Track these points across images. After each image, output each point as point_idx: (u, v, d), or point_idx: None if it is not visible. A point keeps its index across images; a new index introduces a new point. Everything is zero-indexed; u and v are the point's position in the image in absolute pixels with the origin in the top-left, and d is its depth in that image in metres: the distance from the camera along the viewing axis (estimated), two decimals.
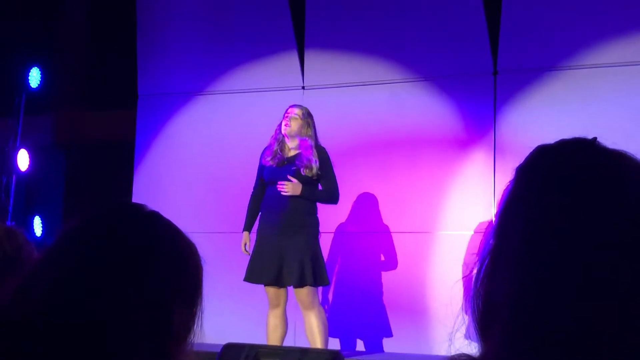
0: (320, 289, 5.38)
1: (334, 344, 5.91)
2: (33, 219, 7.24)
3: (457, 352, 0.94)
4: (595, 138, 0.95)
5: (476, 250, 0.96)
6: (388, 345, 5.97)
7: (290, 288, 5.01)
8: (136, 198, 6.97)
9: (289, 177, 4.95)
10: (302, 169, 4.98)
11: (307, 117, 5.15)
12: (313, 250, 4.96)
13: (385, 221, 6.11)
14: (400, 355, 5.81)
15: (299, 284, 4.88)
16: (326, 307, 6.04)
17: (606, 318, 0.83)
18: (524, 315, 0.86)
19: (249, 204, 5.24)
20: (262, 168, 5.18)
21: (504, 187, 0.97)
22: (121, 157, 7.19)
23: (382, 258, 6.10)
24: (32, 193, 7.38)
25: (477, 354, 0.92)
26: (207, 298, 1.22)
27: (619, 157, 0.92)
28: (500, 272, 0.91)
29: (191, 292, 1.17)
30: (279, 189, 4.95)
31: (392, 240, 6.06)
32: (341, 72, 6.45)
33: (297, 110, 5.14)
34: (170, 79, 7.06)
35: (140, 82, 7.14)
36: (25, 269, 1.14)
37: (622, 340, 0.83)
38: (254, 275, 5.01)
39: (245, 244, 5.15)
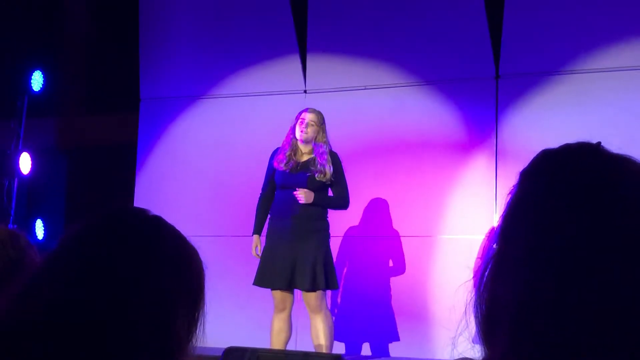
0: (328, 292, 5.38)
1: (340, 348, 5.90)
2: (35, 222, 7.25)
3: (460, 356, 0.93)
4: (599, 143, 0.95)
5: (479, 254, 0.96)
6: (393, 349, 5.96)
7: (297, 292, 5.00)
8: (138, 201, 6.97)
9: (297, 190, 4.93)
10: (316, 174, 4.97)
11: (323, 124, 5.14)
12: (325, 255, 4.95)
13: (387, 225, 6.11)
14: (403, 359, 5.80)
15: (311, 288, 4.87)
16: (335, 311, 6.03)
17: (610, 322, 0.83)
18: (527, 319, 0.86)
19: (258, 206, 5.20)
20: (273, 171, 5.14)
21: (508, 191, 0.97)
22: (123, 161, 7.19)
23: (385, 262, 6.09)
24: (34, 196, 7.39)
25: (481, 358, 0.91)
26: (209, 302, 1.22)
27: (623, 162, 0.92)
28: (504, 276, 0.91)
29: (194, 296, 1.17)
30: (297, 198, 4.92)
31: (394, 244, 6.06)
32: (343, 76, 6.46)
33: (313, 117, 5.11)
34: (172, 82, 7.07)
35: (143, 85, 7.15)
36: (28, 272, 1.14)
37: (627, 344, 0.83)
38: (265, 280, 4.98)
39: (256, 247, 5.12)
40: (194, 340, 1.15)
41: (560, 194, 0.90)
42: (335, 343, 5.31)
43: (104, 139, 7.46)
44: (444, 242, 5.95)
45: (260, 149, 6.46)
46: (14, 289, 1.13)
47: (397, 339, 5.91)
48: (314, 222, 4.98)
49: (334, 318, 5.28)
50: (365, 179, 6.17)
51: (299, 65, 6.63)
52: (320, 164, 5.00)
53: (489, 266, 0.93)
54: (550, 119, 5.73)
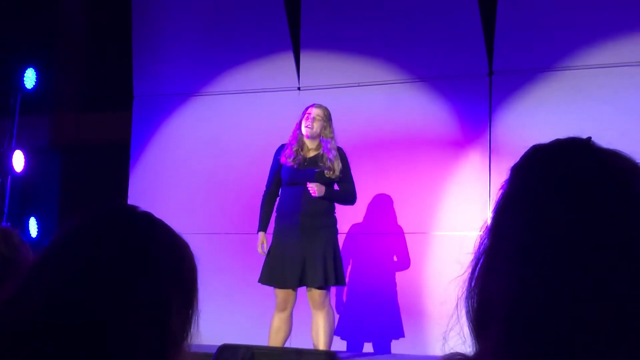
0: (333, 289, 5.36)
1: (341, 344, 5.89)
2: (28, 220, 7.23)
3: (452, 351, 0.94)
4: (589, 138, 0.95)
5: (471, 250, 0.96)
6: (387, 345, 5.96)
7: (300, 292, 4.98)
8: (132, 199, 6.96)
9: (309, 183, 4.91)
10: (325, 171, 4.95)
11: (329, 118, 5.12)
12: (333, 250, 4.94)
13: (381, 222, 6.11)
14: (396, 356, 5.81)
15: (322, 285, 4.85)
16: (341, 308, 6.02)
17: (601, 316, 0.84)
18: (519, 314, 0.86)
19: (262, 204, 5.16)
20: (279, 167, 5.10)
21: (499, 187, 0.97)
22: (117, 158, 7.18)
23: (382, 258, 6.10)
24: (27, 194, 7.37)
25: (472, 353, 0.92)
26: (203, 299, 1.22)
27: (613, 157, 0.92)
28: (495, 271, 0.91)
29: (187, 292, 1.17)
30: (310, 191, 4.91)
31: (389, 240, 6.06)
32: (337, 73, 6.46)
33: (319, 111, 5.09)
34: (166, 80, 7.06)
35: (136, 83, 7.14)
36: (23, 271, 1.14)
37: (619, 340, 0.83)
38: (274, 279, 4.94)
39: (262, 244, 5.08)
40: (189, 337, 1.16)
41: (551, 189, 0.90)
42: (337, 339, 5.30)
43: (98, 137, 7.45)
44: (438, 238, 5.96)
45: (254, 146, 6.47)
46: (10, 288, 1.12)
47: (402, 335, 5.89)
48: (321, 218, 4.96)
49: (337, 315, 5.25)
50: (359, 175, 6.15)
51: (293, 62, 6.63)
52: (330, 160, 4.98)
53: (480, 261, 0.93)
54: (543, 116, 5.75)
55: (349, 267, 6.19)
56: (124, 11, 7.17)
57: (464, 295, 0.94)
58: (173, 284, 1.14)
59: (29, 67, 7.20)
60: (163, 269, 1.13)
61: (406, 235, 6.04)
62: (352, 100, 6.37)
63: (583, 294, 0.84)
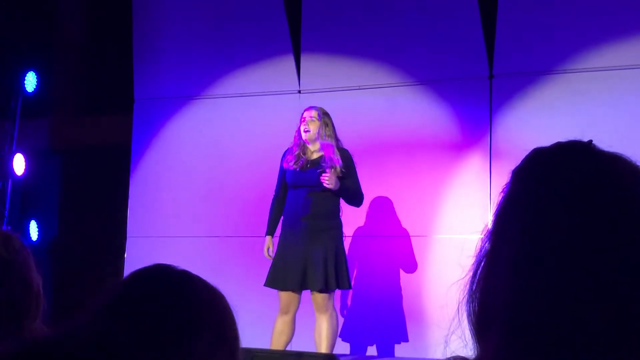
0: (337, 292, 5.35)
1: (345, 348, 5.88)
2: (29, 223, 7.23)
3: (453, 355, 0.94)
4: (590, 141, 0.95)
5: (472, 253, 0.96)
6: (391, 348, 5.96)
7: (304, 295, 4.98)
8: (132, 202, 6.97)
9: (326, 170, 4.89)
10: (327, 170, 4.96)
11: (324, 117, 5.12)
12: (337, 254, 4.92)
13: (380, 225, 6.11)
14: (398, 359, 5.81)
15: (323, 289, 4.85)
16: (345, 312, 6.02)
17: (602, 319, 0.84)
18: (520, 318, 0.86)
19: (271, 208, 5.18)
20: (284, 172, 5.12)
21: (500, 190, 0.97)
22: (117, 162, 7.18)
23: (384, 261, 6.09)
24: (28, 197, 7.37)
25: (473, 356, 0.92)
26: None
27: (614, 160, 0.92)
28: (496, 275, 0.91)
29: (231, 345, 1.17)
30: (321, 181, 4.88)
31: (389, 244, 6.06)
32: (337, 76, 6.46)
33: (312, 112, 5.11)
34: (166, 83, 7.06)
35: (137, 86, 7.14)
36: (24, 277, 1.13)
37: (620, 342, 0.83)
38: (276, 281, 4.95)
39: (268, 249, 5.10)
40: None
41: (552, 192, 0.90)
42: (340, 343, 5.29)
43: (98, 140, 7.45)
44: (439, 241, 5.95)
45: (254, 149, 6.47)
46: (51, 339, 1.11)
47: (406, 339, 5.89)
48: (326, 221, 4.96)
49: (342, 319, 5.24)
50: (360, 179, 6.16)
51: (293, 66, 6.63)
52: (329, 158, 4.98)
53: (482, 264, 0.93)
54: (544, 119, 5.74)
55: (352, 270, 6.19)
56: (124, 14, 7.18)
57: (465, 299, 0.94)
58: (216, 339, 1.13)
59: (30, 70, 7.21)
60: (207, 326, 1.13)
61: (407, 239, 6.03)
62: (352, 104, 6.37)
63: (584, 297, 0.84)
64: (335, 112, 6.33)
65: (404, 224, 6.06)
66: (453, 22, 6.14)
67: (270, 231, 5.14)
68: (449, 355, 0.94)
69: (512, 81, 5.97)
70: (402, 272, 6.01)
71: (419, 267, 5.97)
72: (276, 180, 5.23)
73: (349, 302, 6.14)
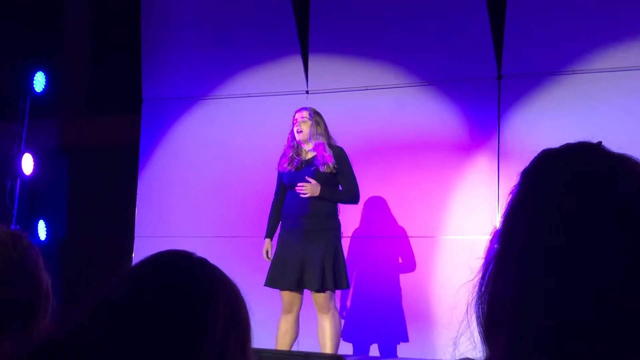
0: (338, 293, 5.37)
1: (347, 348, 5.89)
2: (37, 223, 7.26)
3: (462, 357, 0.94)
4: (600, 142, 0.95)
5: (481, 255, 0.96)
6: (393, 349, 5.95)
7: (306, 293, 5.00)
8: (140, 202, 6.98)
9: (307, 179, 4.94)
10: (320, 167, 4.98)
11: (315, 116, 5.16)
12: (334, 254, 4.94)
13: (389, 225, 6.11)
14: None
15: (320, 289, 4.87)
16: (344, 313, 6.02)
17: (613, 322, 0.83)
18: (529, 320, 0.86)
19: (270, 211, 5.24)
20: (280, 175, 5.18)
21: (509, 191, 0.97)
22: (125, 161, 7.19)
23: (389, 262, 6.09)
24: (36, 197, 7.40)
25: (482, 358, 0.91)
26: None
27: (623, 161, 0.92)
28: (505, 276, 0.91)
29: (244, 335, 1.17)
30: (297, 191, 4.93)
31: (396, 243, 6.06)
32: (345, 77, 6.46)
33: (303, 113, 5.16)
34: (174, 83, 7.07)
35: (145, 86, 7.15)
36: (35, 277, 1.13)
37: (630, 345, 0.83)
38: (275, 280, 4.99)
39: (267, 251, 5.14)
40: None
41: (561, 194, 0.90)
42: (343, 343, 5.30)
43: (107, 140, 7.47)
44: (447, 242, 5.95)
45: (262, 150, 6.46)
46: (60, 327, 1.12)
47: (406, 339, 5.89)
48: (324, 221, 4.98)
49: (342, 320, 5.26)
50: (368, 179, 6.16)
51: (301, 66, 6.63)
52: (321, 155, 5.01)
53: (491, 266, 0.93)
54: (552, 119, 5.73)
55: (356, 270, 6.19)
56: (133, 15, 7.19)
57: (474, 300, 0.94)
58: (231, 326, 1.14)
59: (39, 70, 7.23)
60: (223, 313, 1.13)
61: (415, 239, 6.03)
62: (360, 104, 6.37)
63: (593, 299, 0.84)
64: (343, 113, 6.35)
65: (412, 225, 6.05)
66: (461, 22, 6.13)
67: (270, 234, 5.19)
68: (457, 357, 0.94)
69: (520, 82, 5.95)
70: (409, 273, 6.00)
71: (426, 268, 5.97)
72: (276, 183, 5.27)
73: (352, 303, 6.14)
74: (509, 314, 0.88)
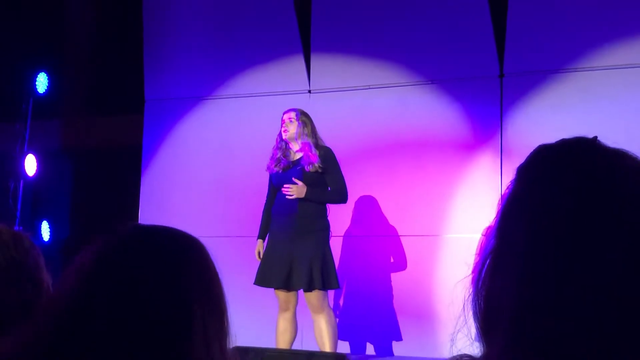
0: (330, 292, 5.39)
1: (344, 347, 5.90)
2: (41, 223, 7.26)
3: (459, 353, 0.94)
4: (595, 137, 0.95)
5: (477, 251, 0.96)
6: (396, 348, 5.96)
7: (300, 292, 5.02)
8: (144, 202, 6.99)
9: (293, 180, 4.97)
10: (306, 167, 5.00)
11: (302, 116, 5.18)
12: (323, 254, 4.96)
13: (392, 224, 6.11)
14: (408, 359, 5.80)
15: (308, 288, 4.89)
16: (337, 312, 6.03)
17: (609, 318, 0.83)
18: (526, 316, 0.86)
19: (262, 213, 5.27)
20: (270, 177, 5.22)
21: (506, 187, 0.97)
22: (128, 162, 7.20)
23: (390, 261, 6.09)
24: (39, 198, 7.40)
25: (479, 355, 0.91)
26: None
27: (619, 156, 0.92)
28: (502, 272, 0.91)
29: (218, 302, 1.17)
30: (283, 192, 4.97)
31: (399, 243, 6.06)
32: (347, 76, 6.46)
33: (291, 114, 5.20)
34: (177, 83, 7.08)
35: (147, 86, 7.16)
36: (36, 280, 1.14)
37: (626, 342, 0.83)
38: (263, 279, 5.02)
39: (258, 252, 5.17)
40: (226, 342, 1.16)
41: (557, 189, 0.90)
42: (340, 342, 5.31)
43: (110, 141, 7.47)
44: (450, 241, 5.94)
45: (264, 150, 6.46)
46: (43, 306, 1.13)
47: (400, 338, 5.91)
48: (312, 221, 5.00)
49: (337, 319, 5.28)
50: (370, 178, 6.17)
51: (303, 65, 6.64)
52: (306, 155, 5.03)
53: (487, 262, 0.93)
54: (554, 117, 5.73)
55: (358, 269, 6.19)
56: (135, 15, 7.20)
57: (470, 297, 0.94)
58: (205, 295, 1.14)
59: (41, 71, 7.24)
60: (194, 281, 1.13)
61: (418, 238, 6.03)
62: (362, 103, 6.37)
63: (589, 295, 0.84)
64: (346, 112, 6.35)
65: (415, 224, 6.05)
66: (463, 21, 6.13)
67: (262, 235, 5.22)
68: (455, 354, 0.94)
69: (522, 80, 5.95)
70: (413, 272, 6.00)
71: (430, 266, 5.97)
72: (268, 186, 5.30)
73: (349, 301, 6.14)
74: (506, 310, 0.88)
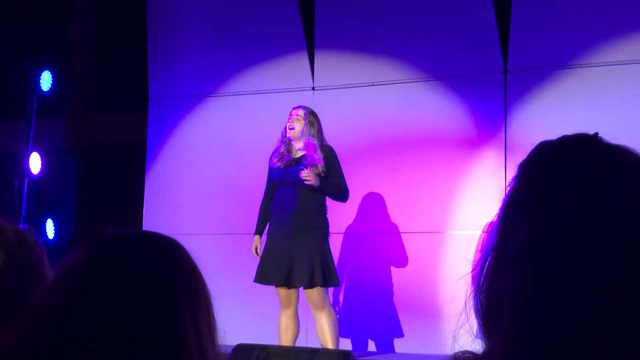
0: (330, 289, 5.39)
1: (346, 344, 5.90)
2: (45, 221, 7.28)
3: (461, 350, 0.94)
4: (596, 133, 0.95)
5: (478, 248, 0.96)
6: (399, 345, 5.96)
7: (301, 289, 5.02)
8: (148, 200, 7.00)
9: (309, 168, 4.94)
10: (308, 167, 5.00)
11: (310, 116, 5.17)
12: (323, 251, 4.97)
13: (395, 221, 6.11)
14: (411, 356, 5.81)
15: (309, 285, 4.89)
16: (337, 308, 6.03)
17: (611, 315, 0.83)
18: (527, 312, 0.86)
19: (260, 208, 5.26)
20: (270, 170, 5.21)
21: (508, 183, 0.97)
22: (133, 160, 7.21)
23: (393, 258, 6.09)
24: (44, 196, 7.42)
25: (481, 351, 0.91)
26: (219, 299, 1.23)
27: (620, 153, 0.92)
28: (503, 269, 0.91)
29: (205, 299, 1.17)
30: (301, 176, 4.93)
31: (402, 241, 6.05)
32: (351, 73, 6.45)
33: (299, 112, 5.18)
34: (181, 81, 7.08)
35: (151, 84, 7.16)
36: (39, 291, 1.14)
37: (627, 339, 0.83)
38: (264, 276, 5.03)
39: (256, 248, 5.17)
40: (216, 338, 1.17)
41: (559, 185, 0.90)
42: (341, 340, 5.31)
43: (114, 138, 7.48)
44: (453, 238, 5.94)
45: (268, 147, 6.46)
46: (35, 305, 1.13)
47: (402, 335, 5.91)
48: (312, 218, 5.00)
49: (337, 316, 5.29)
50: (373, 175, 6.16)
51: (307, 62, 6.63)
52: (311, 157, 5.02)
53: (489, 259, 0.93)
54: (559, 113, 5.72)
55: (361, 267, 6.19)
56: (139, 13, 7.20)
57: (472, 293, 0.94)
58: (191, 295, 1.14)
59: (45, 69, 7.25)
60: (180, 282, 1.14)
61: (422, 235, 6.02)
62: (366, 100, 6.37)
63: (590, 291, 0.84)
64: (350, 109, 6.35)
65: (420, 221, 6.05)
66: (467, 17, 6.12)
67: (259, 231, 5.21)
68: (457, 350, 0.94)
69: (526, 76, 5.94)
70: (417, 269, 6.00)
71: (434, 263, 5.96)
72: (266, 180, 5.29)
73: (351, 298, 6.14)
74: (508, 306, 0.87)
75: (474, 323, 0.95)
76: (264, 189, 5.32)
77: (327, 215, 5.13)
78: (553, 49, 5.89)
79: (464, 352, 0.92)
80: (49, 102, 7.30)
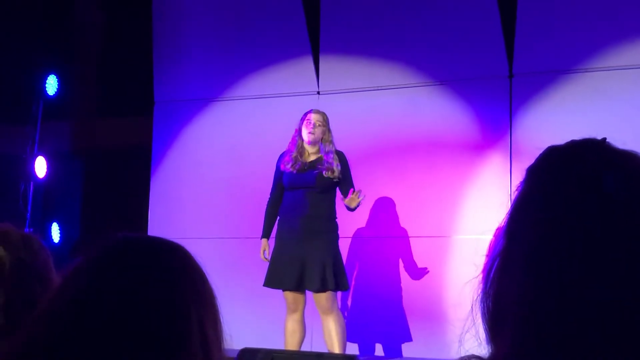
0: (338, 293, 5.38)
1: (353, 348, 5.90)
2: (51, 225, 7.28)
3: (468, 354, 0.93)
4: (604, 138, 0.95)
5: (486, 252, 0.96)
6: (406, 349, 5.95)
7: (309, 293, 5.01)
8: (153, 204, 7.00)
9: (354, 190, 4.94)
10: (324, 172, 4.99)
11: (327, 123, 5.18)
12: (334, 255, 4.96)
13: (401, 226, 6.10)
14: (415, 359, 5.80)
15: (321, 289, 4.88)
16: (345, 313, 6.02)
17: (617, 320, 0.83)
18: (534, 316, 0.86)
19: (266, 211, 5.24)
20: (280, 174, 5.18)
21: (516, 188, 0.97)
22: (138, 164, 7.21)
23: (400, 262, 6.08)
24: (49, 200, 7.42)
25: (487, 355, 0.91)
26: (224, 303, 1.23)
27: (628, 158, 0.92)
28: (510, 273, 0.91)
29: (212, 305, 1.18)
30: (351, 195, 4.91)
31: (409, 245, 6.05)
32: (356, 77, 6.45)
33: (319, 117, 5.16)
34: (186, 85, 7.09)
35: (157, 88, 7.17)
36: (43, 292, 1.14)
37: (629, 344, 0.82)
38: (274, 281, 5.00)
39: (264, 251, 5.15)
40: (221, 345, 1.17)
41: (566, 190, 0.90)
42: (349, 344, 5.31)
43: (119, 142, 7.49)
44: (459, 242, 5.93)
45: (274, 151, 6.45)
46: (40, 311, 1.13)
47: (409, 339, 5.90)
48: (323, 223, 5.00)
49: (345, 320, 5.28)
50: (379, 179, 6.16)
51: (312, 67, 6.64)
52: (327, 162, 5.02)
53: (496, 263, 0.93)
54: (564, 118, 5.71)
55: (368, 270, 6.18)
56: (144, 17, 7.21)
57: (479, 297, 0.94)
58: (199, 301, 1.14)
59: (51, 73, 7.26)
60: (188, 288, 1.14)
61: (428, 239, 6.02)
62: (371, 104, 6.37)
63: (598, 296, 0.84)
64: (355, 113, 6.35)
65: (425, 225, 6.04)
66: (472, 21, 6.12)
67: (266, 234, 5.19)
68: (463, 354, 0.94)
69: (532, 80, 5.94)
70: (422, 273, 5.99)
71: (440, 268, 5.95)
72: (272, 183, 5.27)
73: (361, 303, 6.13)
74: (514, 311, 0.87)
75: (480, 327, 0.95)
76: (269, 193, 5.31)
77: (337, 220, 5.13)
78: (558, 53, 5.89)
79: (470, 357, 0.92)
80: (55, 106, 7.31)
